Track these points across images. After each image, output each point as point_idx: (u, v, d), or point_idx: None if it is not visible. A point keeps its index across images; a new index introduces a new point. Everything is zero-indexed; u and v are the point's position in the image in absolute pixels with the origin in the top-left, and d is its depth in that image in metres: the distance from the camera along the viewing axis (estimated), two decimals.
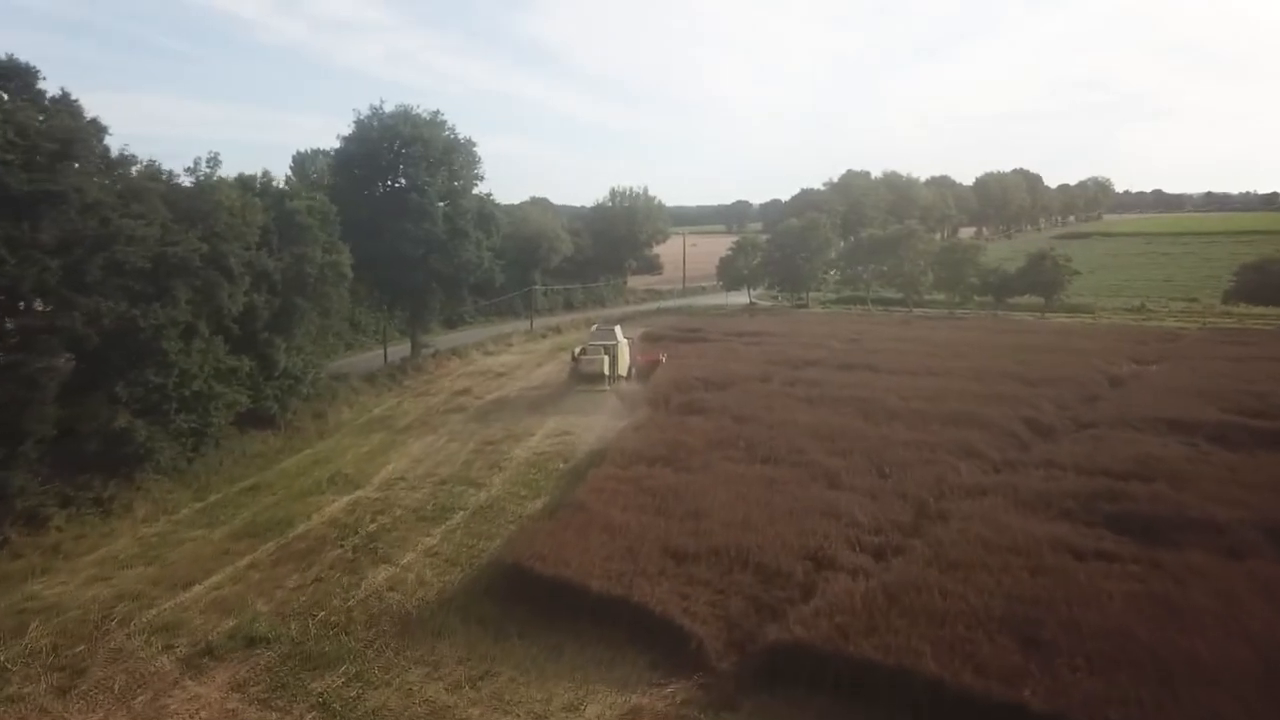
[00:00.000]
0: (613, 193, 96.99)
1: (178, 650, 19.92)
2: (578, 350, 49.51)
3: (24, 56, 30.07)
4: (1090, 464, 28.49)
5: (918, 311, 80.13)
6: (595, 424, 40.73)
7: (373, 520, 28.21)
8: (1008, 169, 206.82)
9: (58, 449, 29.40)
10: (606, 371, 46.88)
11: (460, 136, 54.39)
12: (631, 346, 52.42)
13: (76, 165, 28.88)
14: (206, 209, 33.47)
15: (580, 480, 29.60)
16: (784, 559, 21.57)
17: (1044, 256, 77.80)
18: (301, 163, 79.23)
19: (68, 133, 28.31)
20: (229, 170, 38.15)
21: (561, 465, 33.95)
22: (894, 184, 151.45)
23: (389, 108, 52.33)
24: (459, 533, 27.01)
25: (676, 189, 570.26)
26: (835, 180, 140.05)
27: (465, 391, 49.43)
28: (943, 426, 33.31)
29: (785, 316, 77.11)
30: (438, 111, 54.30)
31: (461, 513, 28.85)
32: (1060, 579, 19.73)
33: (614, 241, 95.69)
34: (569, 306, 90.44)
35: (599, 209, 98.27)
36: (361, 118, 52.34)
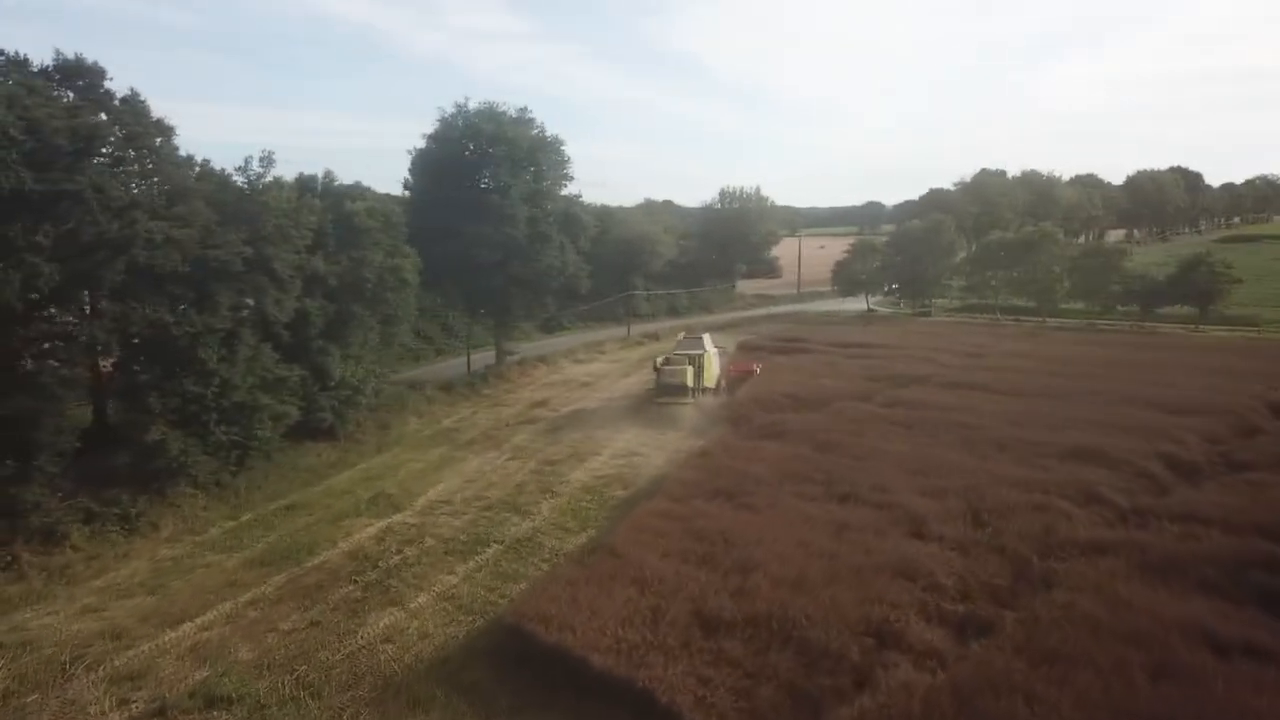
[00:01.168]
0: (722, 193, 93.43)
1: (132, 706, 17.71)
2: (660, 360, 46.31)
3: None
4: (1242, 519, 23.20)
5: (1052, 322, 72.97)
6: (668, 443, 37.56)
7: (399, 551, 25.71)
8: (1163, 167, 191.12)
9: (88, 462, 28.33)
10: (690, 383, 43.50)
11: (548, 135, 51.99)
12: (722, 356, 48.95)
13: (97, 162, 27.37)
14: (254, 211, 31.81)
15: (628, 514, 26.33)
16: (838, 634, 17.65)
17: (1199, 261, 69.12)
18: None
19: (90, 130, 26.90)
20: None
21: (620, 493, 30.74)
22: (1032, 183, 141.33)
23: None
24: (484, 572, 24.13)
25: (807, 190, 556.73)
26: (967, 180, 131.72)
27: (542, 403, 46.91)
28: (1060, 462, 28.43)
29: (902, 326, 71.61)
30: (525, 108, 52.15)
31: (496, 546, 26.00)
32: (1193, 687, 15.14)
33: (722, 244, 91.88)
34: (672, 312, 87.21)
35: (707, 211, 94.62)
36: (446, 115, 50.53)
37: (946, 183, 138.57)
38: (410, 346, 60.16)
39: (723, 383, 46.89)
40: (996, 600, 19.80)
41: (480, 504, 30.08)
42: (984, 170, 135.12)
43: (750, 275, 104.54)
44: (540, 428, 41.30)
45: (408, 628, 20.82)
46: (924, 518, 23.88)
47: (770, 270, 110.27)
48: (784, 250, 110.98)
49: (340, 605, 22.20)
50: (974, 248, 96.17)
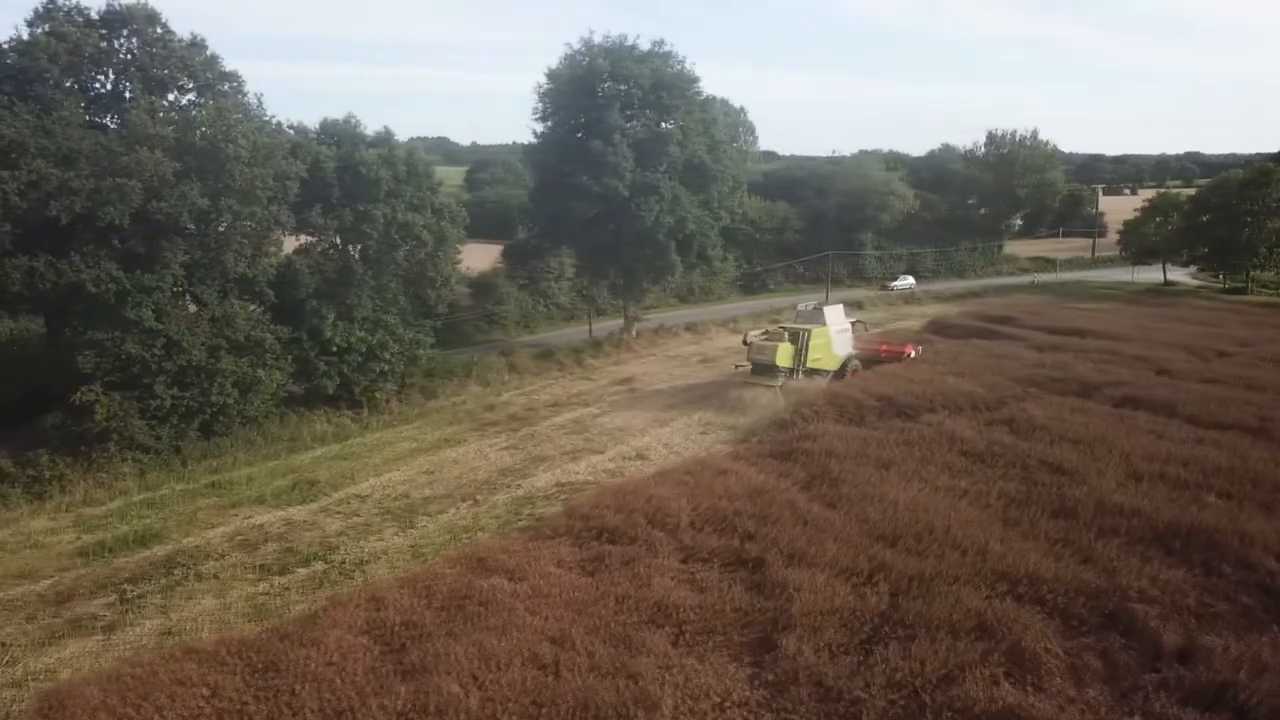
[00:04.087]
0: (989, 137, 78.71)
1: None
2: (756, 334, 38.73)
3: None
4: None
5: None
6: (705, 442, 30.82)
7: (219, 557, 21.98)
8: None
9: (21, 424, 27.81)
10: (783, 363, 35.94)
11: (680, 70, 45.10)
12: (856, 333, 40.13)
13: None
14: (221, 161, 29.24)
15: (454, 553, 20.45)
16: None
17: None
18: None
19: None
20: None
21: (546, 509, 24.69)
22: None
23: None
24: (239, 606, 19.55)
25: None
26: None
27: (629, 379, 41.25)
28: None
29: (1177, 308, 55.45)
30: (660, 41, 45.63)
31: (315, 566, 21.48)
32: None
33: (985, 197, 77.82)
34: (912, 275, 75.61)
35: (967, 158, 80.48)
36: (573, 52, 45.40)
37: None
38: (564, 306, 57.04)
39: (856, 365, 38.51)
40: None
41: (389, 506, 25.62)
42: None
43: (1032, 235, 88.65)
44: (591, 411, 35.84)
45: (58, 672, 16.89)
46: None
47: (1093, 227, 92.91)
48: (1112, 207, 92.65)
49: (76, 622, 18.90)
50: None
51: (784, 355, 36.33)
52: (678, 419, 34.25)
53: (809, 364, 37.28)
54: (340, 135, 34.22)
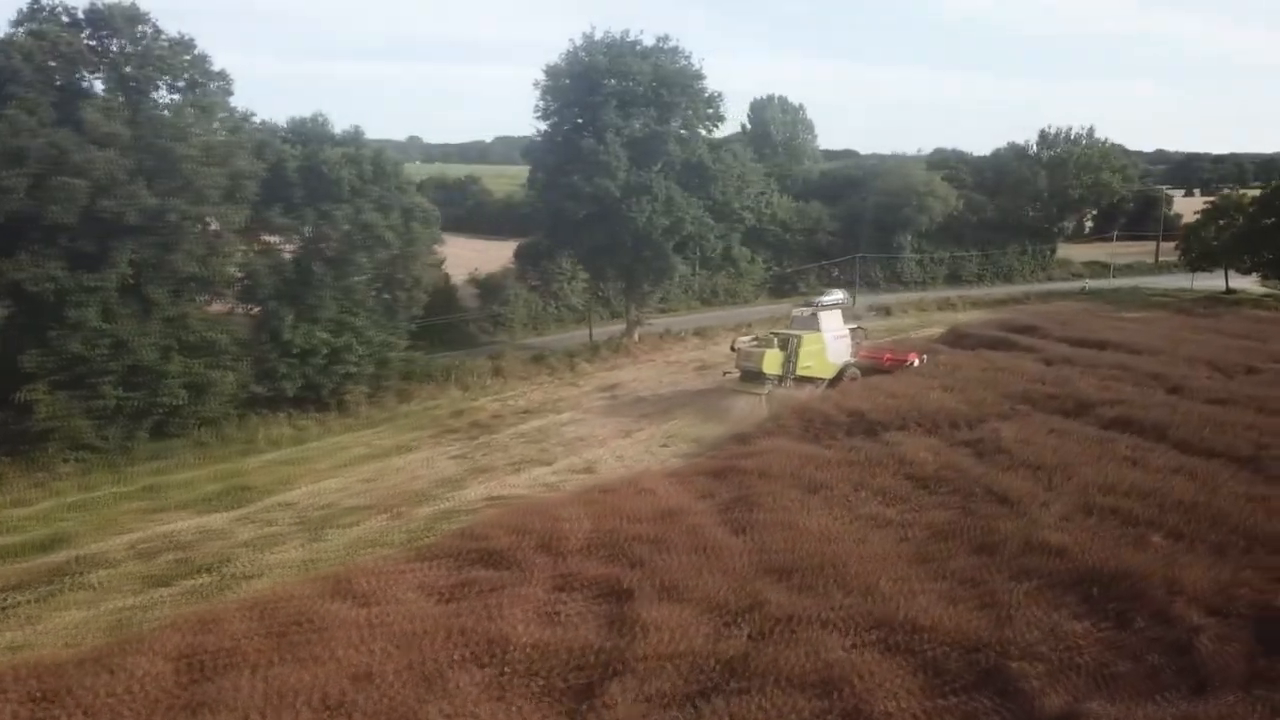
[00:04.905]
0: (1041, 136, 74.81)
1: None
2: (738, 341, 37.26)
3: None
4: None
5: None
6: (659, 457, 29.54)
7: (67, 576, 20.75)
8: None
9: None
10: (767, 370, 34.60)
11: (683, 66, 43.63)
12: (854, 340, 38.42)
13: None
14: (176, 158, 28.99)
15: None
16: None
17: None
18: None
19: None
20: None
21: (446, 525, 23.58)
22: None
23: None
24: (102, 620, 18.88)
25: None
26: None
27: (615, 386, 40.06)
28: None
29: (1227, 318, 51.51)
30: (665, 37, 44.18)
31: (184, 584, 20.58)
32: None
33: (1035, 198, 73.97)
34: (954, 279, 72.48)
35: (1020, 157, 76.54)
36: (574, 48, 44.28)
37: None
38: (577, 309, 56.02)
39: (854, 373, 37.03)
40: None
41: (309, 516, 24.85)
42: None
43: (1086, 238, 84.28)
44: (561, 419, 34.74)
45: None
46: None
47: (1127, 231, 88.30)
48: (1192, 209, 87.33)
49: None
50: None
51: (771, 362, 34.89)
52: (646, 429, 32.91)
53: (800, 371, 35.79)
54: (307, 134, 33.70)
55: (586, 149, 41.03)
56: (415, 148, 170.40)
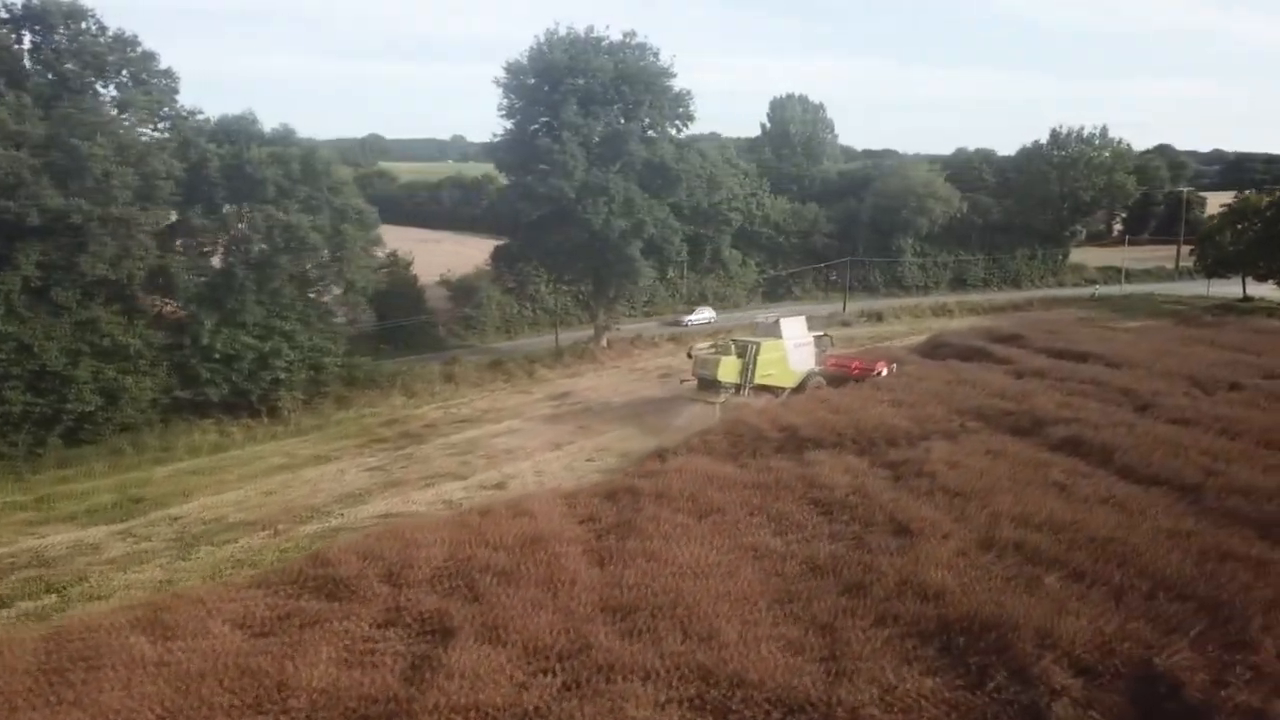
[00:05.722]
0: (1052, 135, 71.91)
1: None
2: (695, 348, 35.81)
3: None
4: None
5: None
6: (581, 472, 28.08)
7: None
8: None
9: None
10: (725, 378, 33.43)
11: (649, 63, 42.11)
12: (819, 348, 36.75)
13: None
14: (83, 157, 28.10)
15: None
16: None
17: None
18: None
19: None
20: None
21: (314, 545, 22.20)
22: None
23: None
24: None
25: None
26: None
27: (563, 395, 38.75)
28: None
29: (1229, 329, 48.56)
30: (631, 33, 42.69)
31: (24, 605, 19.66)
32: None
33: (1044, 201, 71.11)
34: (958, 284, 70.04)
35: (1030, 156, 73.64)
36: (538, 44, 42.86)
37: None
38: (553, 312, 54.68)
39: (819, 381, 35.45)
40: None
41: (189, 531, 24.01)
42: None
43: (1113, 242, 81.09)
44: (497, 429, 33.56)
45: None
46: None
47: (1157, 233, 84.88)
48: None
49: None
50: None
51: (727, 370, 33.52)
52: (579, 441, 31.48)
53: (760, 379, 34.26)
54: (233, 133, 32.66)
55: (542, 148, 39.66)
56: (374, 146, 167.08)
